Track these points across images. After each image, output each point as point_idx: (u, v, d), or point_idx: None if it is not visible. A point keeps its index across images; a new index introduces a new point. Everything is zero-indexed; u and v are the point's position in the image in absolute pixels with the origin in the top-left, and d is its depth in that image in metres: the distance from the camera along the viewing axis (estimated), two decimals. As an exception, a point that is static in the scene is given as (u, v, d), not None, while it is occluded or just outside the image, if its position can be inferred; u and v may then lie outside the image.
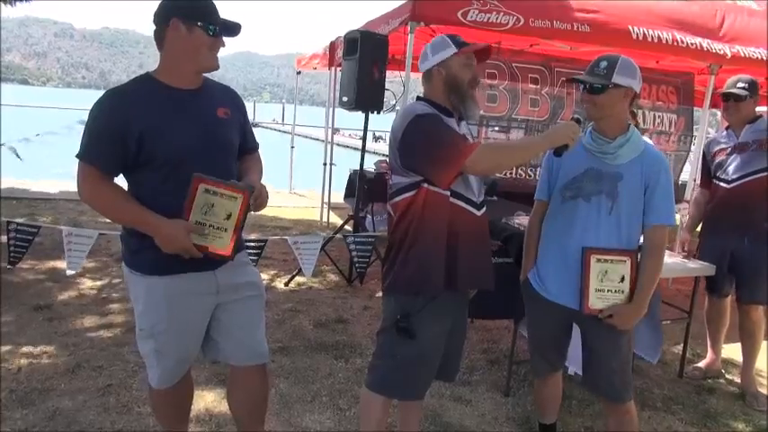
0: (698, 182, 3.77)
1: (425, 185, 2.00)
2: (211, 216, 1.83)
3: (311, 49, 8.57)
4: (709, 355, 3.65)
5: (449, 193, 2.01)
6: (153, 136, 1.78)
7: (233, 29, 1.91)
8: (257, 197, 1.90)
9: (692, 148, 6.38)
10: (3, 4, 7.19)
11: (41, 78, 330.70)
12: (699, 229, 3.62)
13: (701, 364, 3.65)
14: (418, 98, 2.17)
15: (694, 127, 6.89)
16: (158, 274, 1.87)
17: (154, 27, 1.86)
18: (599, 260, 2.15)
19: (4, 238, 4.19)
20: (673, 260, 3.45)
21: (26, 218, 6.26)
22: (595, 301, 2.16)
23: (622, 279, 2.16)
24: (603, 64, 2.10)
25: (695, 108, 6.32)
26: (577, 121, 2.04)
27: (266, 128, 26.93)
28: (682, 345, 3.63)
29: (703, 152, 3.56)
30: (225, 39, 1.91)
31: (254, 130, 2.24)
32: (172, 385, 2.06)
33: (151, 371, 2.04)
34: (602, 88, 2.09)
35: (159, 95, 1.84)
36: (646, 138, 2.40)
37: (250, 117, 2.24)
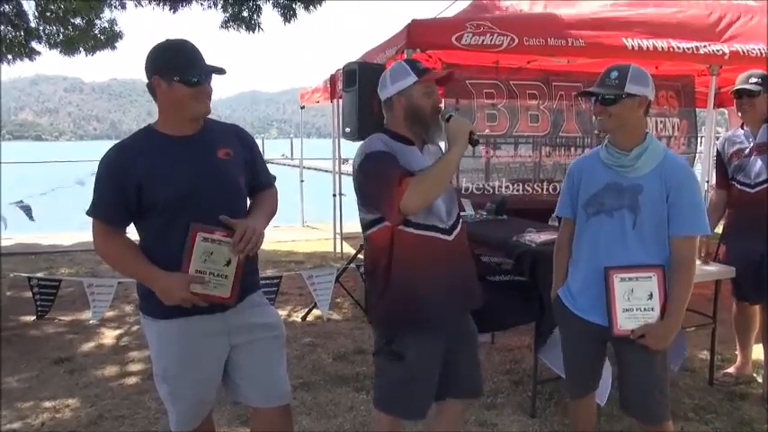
0: (712, 183, 3.68)
1: (387, 223, 2.00)
2: (211, 264, 1.84)
3: (314, 83, 8.69)
4: (739, 359, 3.55)
5: (410, 229, 2.00)
6: (151, 182, 1.82)
7: (217, 71, 1.91)
8: (249, 237, 1.83)
9: (701, 148, 6.32)
10: (18, 60, 7.49)
11: (54, 133, 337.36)
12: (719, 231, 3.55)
13: (732, 369, 3.56)
14: (379, 130, 2.15)
15: (702, 128, 6.84)
16: (168, 317, 1.89)
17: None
18: (623, 279, 2.07)
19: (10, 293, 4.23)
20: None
21: (45, 272, 6.35)
22: (625, 322, 2.08)
23: (650, 296, 2.07)
24: (614, 74, 2.07)
25: (698, 109, 6.28)
26: (450, 118, 2.02)
27: (276, 164, 27.17)
28: (708, 351, 3.54)
29: (718, 152, 3.46)
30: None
31: None
32: (190, 430, 2.04)
33: (169, 415, 2.04)
34: (614, 99, 2.06)
35: (157, 144, 1.89)
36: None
37: None
